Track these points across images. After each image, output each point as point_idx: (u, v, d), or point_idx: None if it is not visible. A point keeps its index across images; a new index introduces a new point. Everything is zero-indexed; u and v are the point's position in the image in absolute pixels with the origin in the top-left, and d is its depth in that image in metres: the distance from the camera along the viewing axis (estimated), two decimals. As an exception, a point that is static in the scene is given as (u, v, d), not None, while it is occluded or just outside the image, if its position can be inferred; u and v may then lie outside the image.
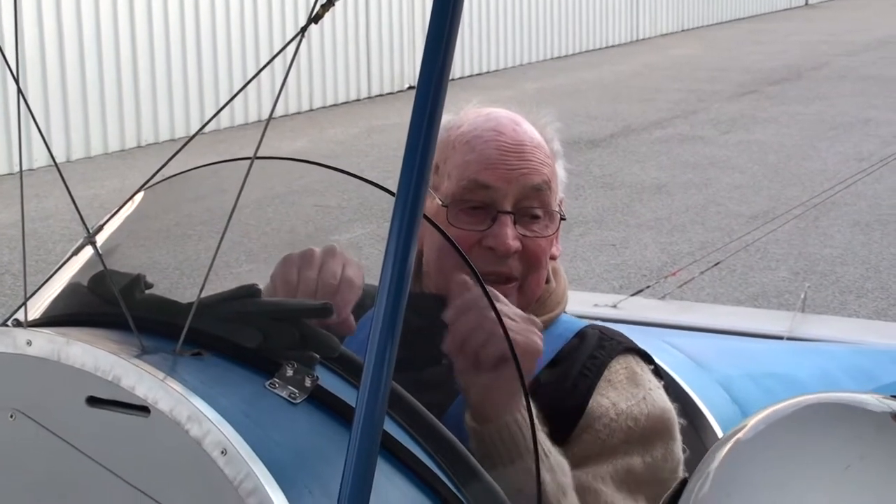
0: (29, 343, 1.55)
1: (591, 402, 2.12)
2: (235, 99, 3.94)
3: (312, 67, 13.26)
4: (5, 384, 1.57)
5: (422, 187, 1.38)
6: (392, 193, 1.42)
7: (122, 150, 11.35)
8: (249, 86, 7.75)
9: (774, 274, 7.58)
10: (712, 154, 10.97)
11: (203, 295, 1.60)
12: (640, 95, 14.03)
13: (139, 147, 11.50)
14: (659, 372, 2.25)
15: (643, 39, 19.22)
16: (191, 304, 1.60)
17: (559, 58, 17.29)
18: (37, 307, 1.75)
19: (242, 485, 1.44)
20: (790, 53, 17.27)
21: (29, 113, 1.83)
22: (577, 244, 8.15)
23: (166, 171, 1.78)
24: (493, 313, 1.80)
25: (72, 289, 1.78)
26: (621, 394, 2.15)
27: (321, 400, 1.60)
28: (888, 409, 1.43)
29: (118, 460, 1.49)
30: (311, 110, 13.21)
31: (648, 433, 2.14)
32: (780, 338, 3.44)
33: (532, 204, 2.17)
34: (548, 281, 2.24)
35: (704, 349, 3.01)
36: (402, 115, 12.38)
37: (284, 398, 1.58)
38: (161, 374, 1.51)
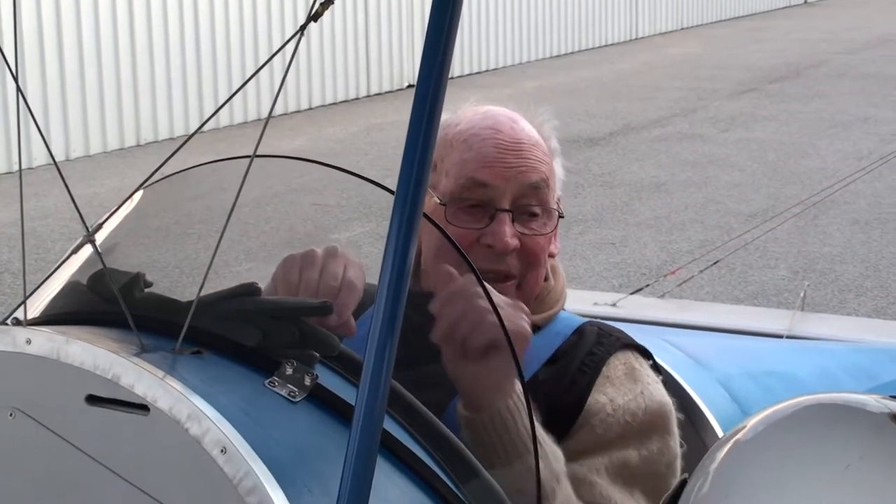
0: (28, 341, 1.55)
1: (589, 398, 2.12)
2: (235, 97, 3.93)
3: (312, 66, 13.26)
4: (5, 383, 1.57)
5: (421, 186, 1.38)
6: (391, 192, 1.42)
7: (122, 149, 11.35)
8: (249, 84, 7.74)
9: (774, 272, 7.58)
10: (712, 152, 10.97)
11: (202, 293, 1.60)
12: (640, 94, 14.03)
13: (138, 146, 11.50)
14: (657, 367, 2.26)
15: (642, 38, 19.22)
16: (190, 303, 1.60)
17: (558, 56, 17.30)
18: (36, 306, 1.74)
19: (242, 483, 1.44)
20: (790, 51, 17.28)
21: (28, 111, 1.82)
22: (576, 243, 8.15)
23: (165, 170, 1.78)
24: (479, 302, 1.81)
25: (71, 287, 1.78)
26: (619, 390, 2.15)
27: (321, 398, 1.60)
28: (887, 409, 1.43)
29: (118, 459, 1.49)
30: (311, 109, 13.21)
31: (645, 427, 2.14)
32: (780, 336, 3.44)
33: (530, 202, 2.17)
34: (546, 279, 2.24)
35: (704, 348, 3.01)
36: (401, 114, 12.39)
37: (284, 397, 1.58)
38: (160, 373, 1.50)
